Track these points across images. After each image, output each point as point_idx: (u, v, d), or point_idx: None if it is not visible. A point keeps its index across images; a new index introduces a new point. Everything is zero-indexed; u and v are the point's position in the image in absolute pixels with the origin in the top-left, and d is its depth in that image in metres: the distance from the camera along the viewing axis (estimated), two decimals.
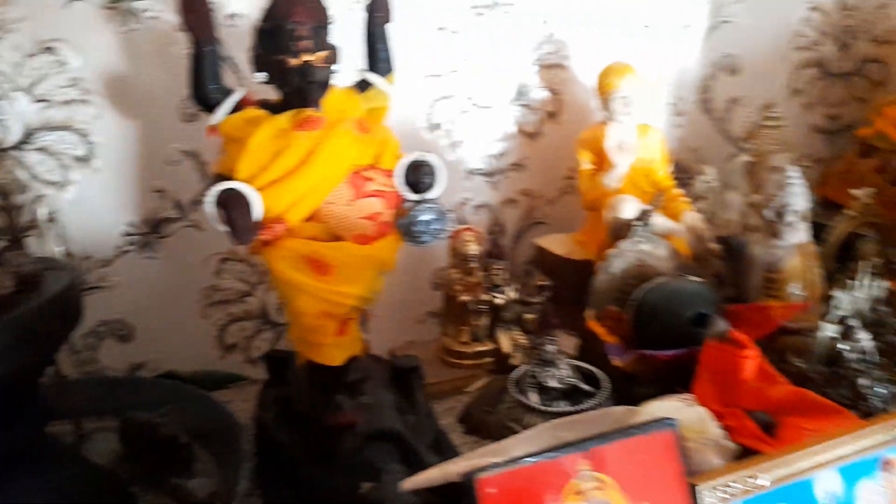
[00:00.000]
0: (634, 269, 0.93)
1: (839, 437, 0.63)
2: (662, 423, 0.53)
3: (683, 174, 1.23)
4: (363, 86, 0.74)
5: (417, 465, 0.72)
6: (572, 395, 0.80)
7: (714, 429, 0.60)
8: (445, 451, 0.82)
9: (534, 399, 0.79)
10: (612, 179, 0.98)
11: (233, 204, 0.67)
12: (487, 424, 0.87)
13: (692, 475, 0.53)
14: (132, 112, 0.91)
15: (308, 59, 0.66)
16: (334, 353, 0.77)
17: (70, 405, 0.84)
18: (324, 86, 0.68)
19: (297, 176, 0.69)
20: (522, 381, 0.81)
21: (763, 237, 0.93)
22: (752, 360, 0.75)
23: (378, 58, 0.74)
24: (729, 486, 0.53)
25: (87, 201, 0.91)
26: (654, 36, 1.14)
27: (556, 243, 1.07)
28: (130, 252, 0.96)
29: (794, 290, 0.92)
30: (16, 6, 0.82)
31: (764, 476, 0.55)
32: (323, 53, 0.67)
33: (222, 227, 0.68)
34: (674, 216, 1.01)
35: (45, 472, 0.62)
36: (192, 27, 0.65)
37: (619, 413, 0.68)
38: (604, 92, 0.98)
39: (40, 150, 0.87)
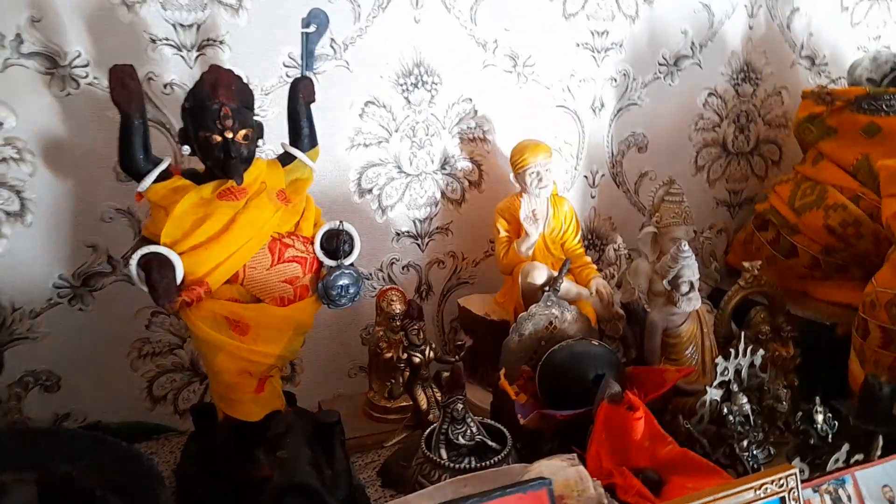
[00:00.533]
0: (545, 332, 1.00)
1: (711, 496, 0.69)
2: (537, 482, 0.58)
3: (599, 240, 1.32)
4: (286, 158, 0.80)
5: None
6: (480, 451, 0.85)
7: (592, 487, 0.65)
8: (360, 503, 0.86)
9: (444, 455, 0.83)
10: (525, 247, 1.05)
11: (155, 266, 0.71)
12: (403, 479, 0.90)
13: None
14: (68, 171, 0.94)
15: (231, 136, 0.71)
16: (253, 410, 0.80)
17: None
18: (246, 160, 0.74)
19: (218, 242, 0.73)
20: (434, 438, 0.86)
21: (663, 303, 1.01)
22: (641, 422, 0.81)
23: (301, 133, 0.81)
24: None
25: (17, 254, 0.94)
26: (568, 116, 1.24)
27: (478, 303, 1.13)
28: (61, 304, 0.98)
29: (690, 353, 1.00)
30: None
31: None
32: (244, 131, 0.72)
33: (144, 288, 0.72)
34: (583, 282, 1.09)
35: None
36: (120, 102, 0.71)
37: (516, 470, 0.73)
38: (517, 167, 1.05)
39: None
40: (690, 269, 0.96)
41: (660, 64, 1.28)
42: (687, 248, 0.96)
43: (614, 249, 1.19)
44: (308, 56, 0.81)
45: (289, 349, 0.80)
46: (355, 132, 1.08)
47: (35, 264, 0.95)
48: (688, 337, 1.00)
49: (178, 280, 0.72)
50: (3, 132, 0.90)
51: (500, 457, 0.83)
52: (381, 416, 1.06)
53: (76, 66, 0.91)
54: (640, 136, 1.30)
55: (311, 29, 0.81)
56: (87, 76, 0.92)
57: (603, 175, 1.30)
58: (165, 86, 0.95)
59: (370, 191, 1.11)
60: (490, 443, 0.85)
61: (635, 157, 1.31)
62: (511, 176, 1.08)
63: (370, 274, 1.15)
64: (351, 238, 0.79)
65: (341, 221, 0.79)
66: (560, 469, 0.66)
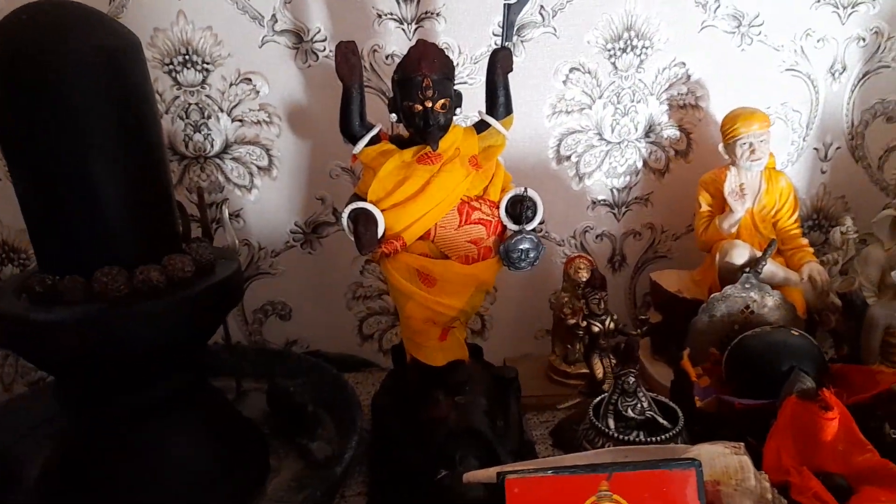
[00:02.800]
0: (739, 315, 0.94)
1: None
2: (686, 461, 0.58)
3: (826, 221, 1.19)
4: (481, 126, 0.85)
5: (494, 465, 0.81)
6: (649, 427, 0.84)
7: (753, 479, 0.62)
8: (526, 459, 0.90)
9: (611, 425, 0.84)
10: (728, 224, 0.99)
11: (361, 220, 0.81)
12: (572, 442, 0.93)
13: None
14: (306, 132, 1.09)
15: (430, 105, 0.78)
16: (436, 355, 0.89)
17: (236, 366, 1.05)
18: (443, 128, 0.80)
19: (415, 201, 0.81)
20: (604, 407, 0.87)
21: (890, 297, 0.89)
22: (834, 423, 0.74)
23: (497, 103, 0.84)
24: None
25: (265, 203, 1.12)
26: (800, 80, 1.11)
27: (672, 279, 1.09)
28: (295, 247, 1.15)
29: None
30: (225, 45, 1.03)
31: None
32: (443, 101, 0.78)
33: (351, 238, 0.83)
34: (795, 266, 0.99)
35: (204, 416, 0.81)
36: (342, 75, 0.80)
37: (678, 450, 0.72)
38: (728, 137, 0.98)
39: (234, 159, 1.09)
40: None
41: None
42: None
43: (841, 232, 1.06)
44: (508, 27, 0.84)
45: (470, 304, 0.86)
46: (558, 99, 1.09)
47: (277, 212, 1.13)
48: None
49: (380, 234, 0.82)
50: (259, 99, 1.07)
51: (668, 435, 0.82)
52: (561, 380, 1.09)
53: (316, 41, 1.04)
54: (890, 104, 1.13)
55: (513, 0, 0.83)
56: (324, 50, 1.05)
57: (838, 147, 1.16)
58: (387, 57, 1.05)
59: (568, 158, 1.12)
60: (661, 420, 0.84)
61: (882, 129, 1.14)
62: (720, 146, 1.02)
63: (563, 240, 1.17)
64: (534, 204, 0.82)
65: (526, 188, 0.81)
66: (721, 455, 0.64)
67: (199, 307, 0.73)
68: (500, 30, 0.84)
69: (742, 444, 0.67)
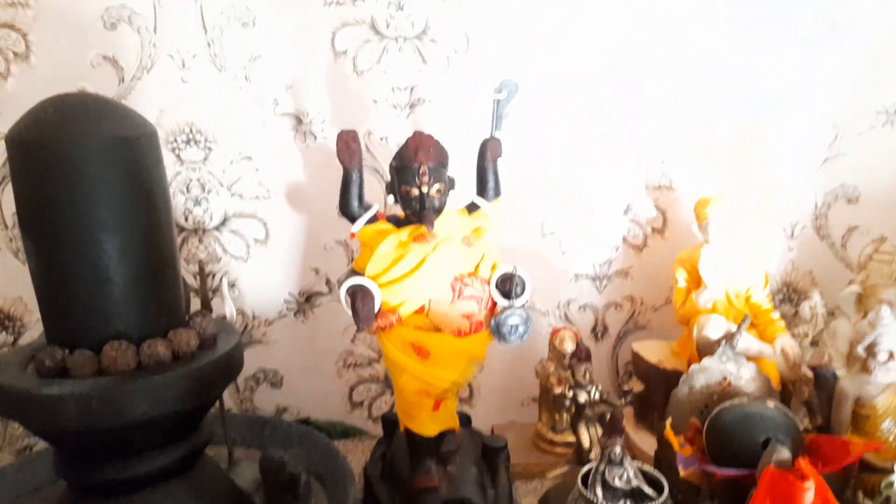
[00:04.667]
0: (717, 387, 0.98)
1: None
2: None
3: (796, 294, 1.25)
4: (473, 207, 0.90)
5: None
6: (636, 497, 0.87)
7: None
8: None
9: (599, 494, 0.87)
10: (704, 299, 1.04)
11: (359, 296, 0.85)
12: None
13: None
14: (302, 208, 1.14)
15: (426, 190, 0.83)
16: (429, 426, 0.91)
17: (228, 435, 1.06)
18: (438, 210, 0.85)
19: (410, 278, 0.86)
20: (591, 477, 0.90)
21: (857, 370, 0.94)
22: (811, 492, 0.78)
23: (487, 186, 0.90)
24: None
25: (260, 273, 1.16)
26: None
27: (652, 350, 1.14)
28: (287, 316, 1.19)
29: (887, 427, 0.92)
30: (228, 125, 1.09)
31: None
32: (438, 186, 0.84)
33: (349, 312, 0.86)
34: (768, 339, 1.05)
35: (198, 486, 0.82)
36: (343, 160, 0.86)
37: None
38: (700, 218, 1.05)
39: (232, 232, 1.14)
40: (891, 337, 0.89)
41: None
42: (888, 313, 0.89)
43: (810, 307, 1.12)
44: (497, 119, 0.91)
45: (462, 376, 0.89)
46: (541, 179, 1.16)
47: (272, 282, 1.17)
48: (884, 410, 0.92)
49: (377, 308, 0.86)
50: (258, 176, 1.12)
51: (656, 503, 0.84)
52: (548, 448, 1.12)
53: (315, 123, 1.11)
54: (849, 186, 1.21)
55: (503, 96, 0.90)
56: (322, 131, 1.11)
57: (804, 227, 1.23)
58: (381, 139, 1.12)
59: (553, 233, 1.18)
60: (647, 489, 0.87)
61: (845, 209, 1.22)
62: (694, 226, 1.08)
63: (547, 311, 1.22)
64: (523, 282, 0.87)
65: (515, 266, 0.87)
66: None
67: (203, 380, 0.75)
68: (492, 121, 0.91)
69: None
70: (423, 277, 0.86)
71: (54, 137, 0.68)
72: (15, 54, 1.02)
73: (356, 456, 1.15)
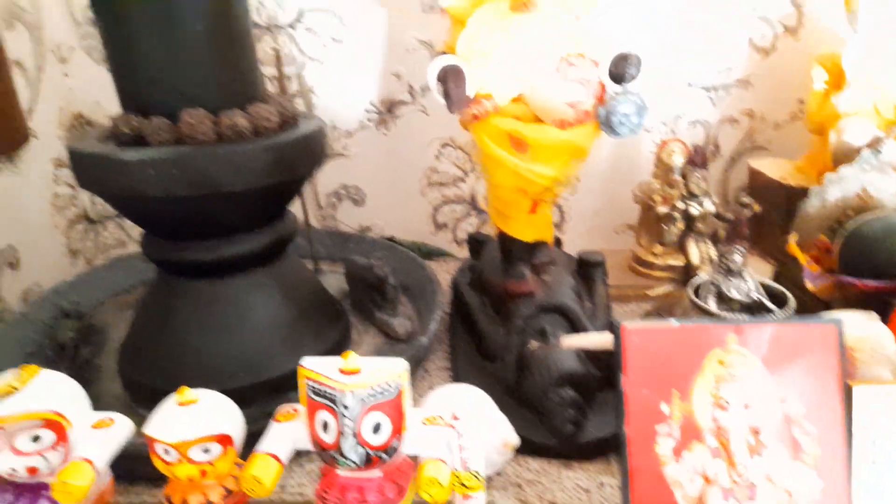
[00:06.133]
0: (854, 200, 0.86)
1: None
2: (827, 319, 0.52)
3: None
4: None
5: None
6: (754, 310, 0.79)
7: (893, 348, 0.57)
8: None
9: (712, 305, 0.79)
10: (846, 100, 0.89)
11: (451, 77, 0.75)
12: None
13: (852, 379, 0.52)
14: (382, 2, 1.03)
15: None
16: (525, 229, 0.84)
17: (312, 249, 1.03)
18: None
19: (509, 57, 0.75)
20: (703, 288, 0.81)
21: None
22: None
23: None
24: (891, 397, 0.51)
25: (338, 78, 1.07)
26: None
27: (774, 167, 1.01)
28: (369, 127, 1.11)
29: None
30: None
31: None
32: None
33: (440, 98, 0.77)
34: None
35: (285, 277, 0.78)
36: None
37: None
38: (849, 3, 0.88)
39: (308, 29, 1.04)
40: None
41: None
42: None
43: None
44: None
45: (563, 174, 0.80)
46: None
47: (351, 89, 1.08)
48: None
49: (470, 92, 0.76)
50: None
51: (779, 317, 0.76)
52: (646, 272, 1.04)
53: None
54: None
55: None
56: None
57: None
58: None
59: (661, 32, 1.03)
60: (768, 303, 0.78)
61: None
62: (837, 19, 0.91)
63: (651, 127, 1.09)
64: (639, 62, 0.75)
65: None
66: (858, 322, 0.58)
67: (283, 157, 0.69)
68: None
69: (875, 315, 0.61)
70: (524, 54, 0.74)
71: None
72: None
73: (441, 277, 1.11)
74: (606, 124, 0.77)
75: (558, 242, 1.02)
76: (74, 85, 1.04)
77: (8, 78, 0.89)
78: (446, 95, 0.75)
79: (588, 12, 0.77)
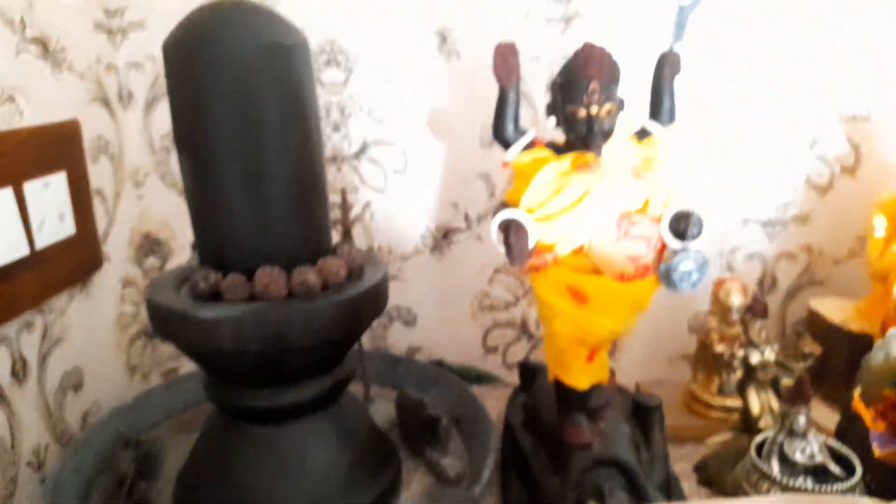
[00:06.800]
0: None
1: None
2: None
3: None
4: (644, 133, 0.79)
5: (643, 499, 0.76)
6: (818, 473, 0.76)
7: None
8: (673, 495, 0.83)
9: (775, 468, 0.77)
10: None
11: (513, 230, 0.77)
12: (722, 481, 0.86)
13: None
14: (441, 136, 1.07)
15: (596, 110, 0.73)
16: (581, 378, 0.83)
17: (364, 372, 1.04)
18: (606, 135, 0.74)
19: (570, 213, 0.76)
20: (766, 447, 0.79)
21: None
22: None
23: (661, 108, 0.78)
24: None
25: (397, 206, 1.11)
26: None
27: (834, 309, 0.99)
28: (423, 252, 1.13)
29: None
30: (367, 45, 1.02)
31: None
32: (609, 106, 0.73)
33: (501, 249, 0.79)
34: None
35: (341, 421, 0.79)
36: (500, 76, 0.77)
37: (861, 502, 0.63)
38: None
39: (371, 160, 1.08)
40: None
41: None
42: None
43: None
44: (679, 29, 0.78)
45: (623, 325, 0.80)
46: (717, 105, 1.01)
47: (409, 215, 1.11)
48: None
49: (531, 245, 0.77)
50: (399, 100, 1.05)
51: (845, 485, 0.73)
52: (702, 411, 1.01)
53: (459, 41, 1.02)
54: None
55: (688, 3, 0.77)
56: (467, 50, 1.02)
57: None
58: (532, 58, 1.01)
59: (721, 168, 1.04)
60: (833, 467, 0.75)
61: None
62: None
63: (707, 259, 1.09)
64: (700, 222, 0.75)
65: (692, 205, 0.75)
66: None
67: (350, 311, 0.71)
68: (673, 32, 0.78)
69: None
70: (585, 212, 0.76)
71: (212, 39, 0.64)
72: None
73: (490, 403, 1.09)
74: (667, 280, 0.77)
75: (612, 374, 1.01)
76: (146, 206, 1.10)
77: (90, 209, 0.95)
78: (507, 248, 0.77)
79: (650, 170, 0.78)
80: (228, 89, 0.64)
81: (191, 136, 0.67)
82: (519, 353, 1.17)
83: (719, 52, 0.99)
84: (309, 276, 0.68)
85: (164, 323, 0.68)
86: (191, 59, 0.64)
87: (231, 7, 0.65)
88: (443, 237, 1.12)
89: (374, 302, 0.75)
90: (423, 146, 1.07)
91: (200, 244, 0.72)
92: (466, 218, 1.10)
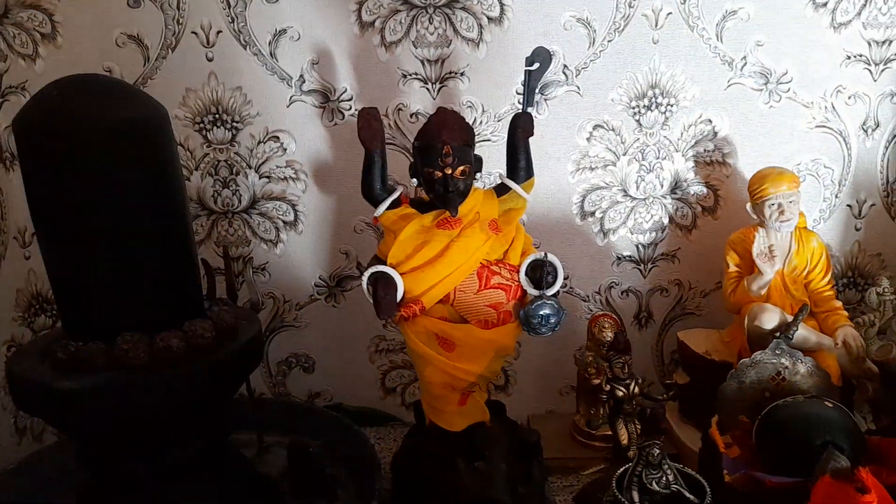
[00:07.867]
0: (770, 382, 0.91)
1: None
2: None
3: (862, 279, 1.15)
4: (502, 189, 0.85)
5: None
6: (675, 501, 0.81)
7: None
8: None
9: (635, 498, 0.82)
10: (757, 286, 0.96)
11: (381, 284, 0.81)
12: None
13: None
14: (331, 188, 1.11)
15: (450, 172, 0.78)
16: (455, 420, 0.87)
17: (259, 420, 1.05)
18: (463, 193, 0.80)
19: (434, 266, 0.81)
20: (627, 479, 0.84)
21: None
22: None
23: (518, 166, 0.84)
24: None
25: (290, 257, 1.13)
26: (831, 137, 1.09)
27: (700, 339, 1.06)
28: (319, 300, 1.16)
29: None
30: (254, 105, 1.05)
31: None
32: (462, 167, 0.78)
33: (371, 301, 0.82)
34: (828, 330, 0.96)
35: (220, 480, 0.80)
36: (364, 139, 0.81)
37: None
38: (756, 197, 0.96)
39: (261, 214, 1.11)
40: None
41: None
42: None
43: (878, 293, 1.02)
44: (529, 92, 0.85)
45: (489, 370, 0.85)
46: (581, 156, 1.08)
47: (302, 265, 1.14)
48: None
49: (399, 297, 0.81)
50: (286, 156, 1.09)
51: None
52: (586, 441, 1.06)
53: (342, 101, 1.06)
54: None
55: (535, 66, 0.84)
56: (350, 108, 1.06)
57: (873, 204, 1.13)
58: (411, 115, 1.06)
59: (593, 213, 1.11)
60: (687, 494, 0.81)
61: None
62: (748, 206, 1.00)
63: (588, 296, 1.15)
64: (555, 269, 0.81)
65: (546, 253, 0.81)
66: None
67: (219, 373, 0.73)
68: (522, 94, 0.84)
69: None
70: (448, 264, 0.81)
71: (65, 117, 0.66)
72: (42, 35, 1.01)
73: (388, 444, 1.13)
74: (526, 325, 0.83)
75: (502, 408, 1.05)
76: (34, 265, 1.09)
77: None
78: (375, 301, 0.81)
79: (508, 223, 0.84)
80: (84, 166, 0.66)
81: (45, 211, 0.69)
82: (416, 392, 1.20)
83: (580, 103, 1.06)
84: (172, 340, 0.70)
85: (24, 395, 0.69)
86: (43, 137, 0.66)
87: (83, 84, 0.67)
88: (336, 285, 1.15)
89: (245, 360, 0.77)
90: (313, 199, 1.11)
91: (63, 312, 0.73)
92: (358, 265, 1.14)
